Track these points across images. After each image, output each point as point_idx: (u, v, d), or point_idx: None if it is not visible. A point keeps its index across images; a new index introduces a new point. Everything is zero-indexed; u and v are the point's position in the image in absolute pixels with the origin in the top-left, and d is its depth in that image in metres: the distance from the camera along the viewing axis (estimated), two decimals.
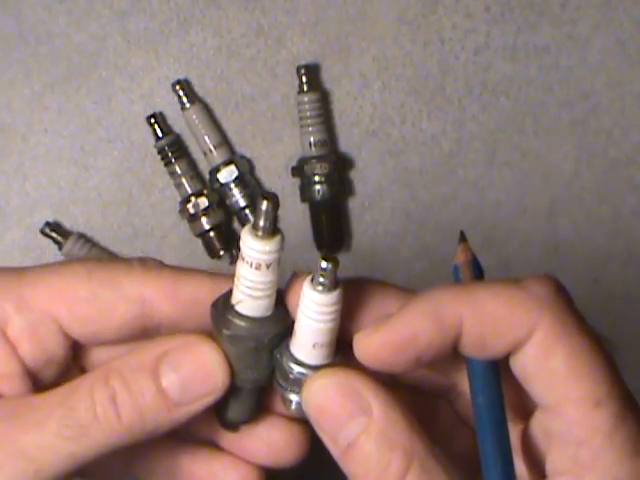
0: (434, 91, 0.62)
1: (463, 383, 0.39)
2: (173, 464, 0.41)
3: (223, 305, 0.36)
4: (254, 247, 0.34)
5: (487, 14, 0.61)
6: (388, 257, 0.62)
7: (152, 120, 0.60)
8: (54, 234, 0.60)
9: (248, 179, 0.61)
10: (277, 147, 0.62)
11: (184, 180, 0.60)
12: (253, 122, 0.61)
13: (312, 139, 0.60)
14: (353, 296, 0.36)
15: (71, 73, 0.61)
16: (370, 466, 0.34)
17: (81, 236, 0.60)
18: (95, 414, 0.35)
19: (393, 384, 0.38)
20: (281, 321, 0.36)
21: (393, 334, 0.34)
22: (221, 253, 0.60)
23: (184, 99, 0.60)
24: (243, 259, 0.35)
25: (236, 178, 0.60)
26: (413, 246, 0.62)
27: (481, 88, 0.62)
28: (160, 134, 0.60)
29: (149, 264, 0.39)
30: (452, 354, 0.35)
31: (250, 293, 0.35)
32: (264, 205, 0.34)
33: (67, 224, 0.61)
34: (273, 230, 0.34)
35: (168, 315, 0.38)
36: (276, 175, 0.62)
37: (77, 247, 0.59)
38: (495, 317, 0.34)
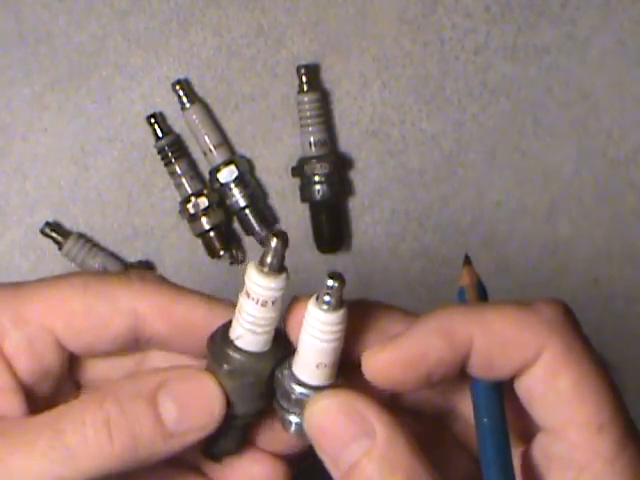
0: (434, 91, 0.62)
1: (462, 406, 0.39)
2: None
3: (222, 339, 0.36)
4: (261, 284, 0.34)
5: (487, 14, 0.61)
6: (388, 257, 0.62)
7: (152, 120, 0.60)
8: (54, 234, 0.60)
9: (248, 179, 0.61)
10: (277, 147, 0.62)
11: (184, 180, 0.60)
12: (253, 122, 0.61)
13: (312, 139, 0.60)
14: (356, 317, 0.36)
15: (71, 73, 0.61)
16: None
17: (81, 236, 0.60)
18: (85, 437, 0.35)
19: (393, 407, 0.38)
20: (280, 353, 0.36)
21: (404, 351, 0.34)
22: (221, 253, 0.60)
23: (184, 99, 0.60)
24: (248, 295, 0.35)
25: (236, 178, 0.60)
26: (413, 246, 0.62)
27: (481, 88, 0.62)
28: (160, 134, 0.60)
29: (148, 279, 0.39)
30: (456, 375, 0.35)
31: (252, 329, 0.35)
32: (274, 242, 0.34)
33: (67, 224, 0.61)
34: (280, 267, 0.35)
35: (160, 332, 0.38)
36: (276, 175, 0.62)
37: (77, 247, 0.59)
38: (504, 337, 0.34)
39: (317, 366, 0.35)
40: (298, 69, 0.60)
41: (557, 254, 0.63)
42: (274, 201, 0.62)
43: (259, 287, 0.34)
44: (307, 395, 0.35)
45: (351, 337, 0.36)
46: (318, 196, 0.60)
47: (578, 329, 0.35)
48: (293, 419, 0.36)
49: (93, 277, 0.38)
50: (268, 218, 0.60)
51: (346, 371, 0.36)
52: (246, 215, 0.60)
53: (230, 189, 0.60)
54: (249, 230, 0.61)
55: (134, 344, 0.39)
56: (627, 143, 0.62)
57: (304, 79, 0.60)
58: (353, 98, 0.62)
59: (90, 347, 0.39)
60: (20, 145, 0.61)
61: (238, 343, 0.36)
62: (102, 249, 0.60)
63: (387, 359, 0.34)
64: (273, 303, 0.35)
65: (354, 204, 0.62)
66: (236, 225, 0.62)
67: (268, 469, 0.40)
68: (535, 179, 0.62)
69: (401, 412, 0.38)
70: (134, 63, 0.61)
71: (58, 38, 0.61)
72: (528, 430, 0.37)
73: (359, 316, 0.36)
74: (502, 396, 0.36)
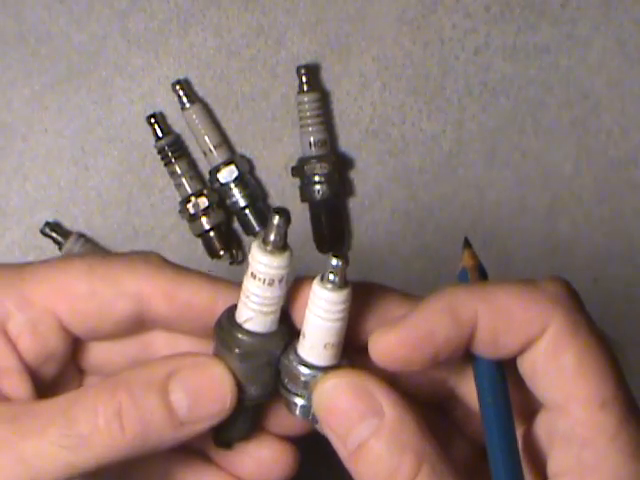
0: (434, 91, 0.62)
1: (461, 390, 0.39)
2: (166, 472, 0.41)
3: (229, 323, 0.36)
4: (266, 262, 0.35)
5: (487, 14, 0.61)
6: (388, 257, 0.62)
7: (152, 120, 0.60)
8: (54, 234, 0.60)
9: (248, 179, 0.61)
10: (277, 147, 0.62)
11: (184, 180, 0.60)
12: (253, 122, 0.61)
13: (312, 139, 0.60)
14: (356, 300, 0.36)
15: (71, 73, 0.61)
16: (380, 468, 0.34)
17: (81, 236, 0.60)
18: (97, 426, 0.35)
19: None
20: (287, 333, 0.37)
21: (411, 331, 0.34)
22: (221, 253, 0.60)
23: (184, 99, 0.60)
24: (254, 276, 0.35)
25: (236, 178, 0.60)
26: (413, 246, 0.62)
27: (481, 88, 0.62)
28: (160, 134, 0.60)
29: (151, 260, 0.39)
30: (461, 354, 0.35)
31: (260, 309, 0.35)
32: (276, 220, 0.34)
33: (67, 224, 0.61)
34: (284, 245, 0.35)
35: (164, 314, 0.38)
36: (276, 175, 0.62)
37: (77, 247, 0.59)
38: (510, 313, 0.34)
39: (325, 346, 0.35)
40: (298, 69, 0.60)
41: (557, 254, 0.63)
42: (274, 201, 0.62)
43: (265, 266, 0.35)
44: (314, 376, 0.36)
45: (352, 319, 0.36)
46: (318, 196, 0.60)
47: (581, 306, 0.35)
48: (299, 402, 0.36)
49: (97, 260, 0.39)
50: (268, 218, 0.60)
51: (348, 354, 0.36)
52: (246, 215, 0.60)
53: (230, 189, 0.60)
54: (249, 230, 0.61)
55: (138, 326, 0.39)
56: (627, 143, 0.62)
57: (304, 79, 0.60)
58: (353, 98, 0.62)
59: (94, 330, 0.39)
60: (20, 145, 0.61)
61: (247, 326, 0.36)
62: (102, 249, 0.60)
63: (395, 340, 0.34)
64: (280, 281, 0.35)
65: (354, 204, 0.62)
66: (236, 225, 0.62)
67: (276, 452, 0.40)
68: (535, 179, 0.62)
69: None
70: (134, 63, 0.61)
71: (58, 38, 0.61)
72: (529, 409, 0.37)
73: (359, 298, 0.36)
74: (505, 375, 0.36)
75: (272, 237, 0.34)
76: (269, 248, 0.35)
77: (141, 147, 0.61)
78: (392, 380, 0.36)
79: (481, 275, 0.38)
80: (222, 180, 0.60)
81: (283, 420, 0.40)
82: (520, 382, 0.36)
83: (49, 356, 0.39)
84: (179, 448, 0.40)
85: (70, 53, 0.61)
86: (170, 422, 0.36)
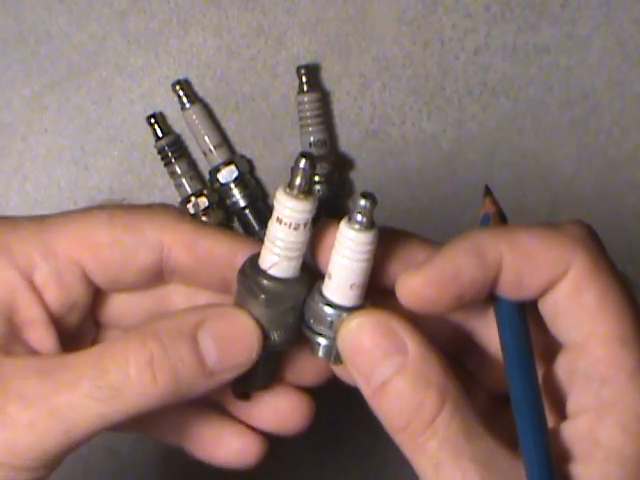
0: (434, 91, 0.62)
1: (480, 334, 0.39)
2: (182, 424, 0.41)
3: (253, 270, 0.37)
4: (292, 207, 0.35)
5: (487, 14, 0.61)
6: None
7: (152, 120, 0.60)
8: None
9: (248, 179, 0.61)
10: (277, 147, 0.62)
11: (184, 180, 0.60)
12: (253, 122, 0.61)
13: (312, 139, 0.60)
14: (381, 243, 0.36)
15: (71, 73, 0.61)
16: (404, 404, 0.34)
17: None
18: (129, 376, 0.35)
19: None
20: (309, 279, 0.37)
21: (438, 272, 0.35)
22: None
23: (184, 99, 0.60)
24: (280, 221, 0.35)
25: (236, 178, 0.60)
26: None
27: (481, 88, 0.62)
28: (160, 134, 0.60)
29: (171, 212, 0.39)
30: (485, 296, 0.36)
31: (285, 254, 0.36)
32: (302, 163, 0.35)
33: None
34: (309, 189, 0.35)
35: (184, 265, 0.39)
36: (276, 175, 0.62)
37: None
38: (533, 254, 0.35)
39: (351, 287, 0.36)
40: (298, 69, 0.60)
41: None
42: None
43: (291, 210, 0.35)
44: (340, 316, 0.36)
45: (376, 262, 0.36)
46: (318, 196, 0.60)
47: (602, 248, 0.36)
48: (322, 341, 0.37)
49: (119, 209, 0.39)
50: (268, 218, 0.60)
51: (371, 296, 0.37)
52: (246, 215, 0.60)
53: (230, 189, 0.60)
54: (249, 230, 0.61)
55: (158, 277, 0.39)
56: (627, 143, 0.62)
57: (304, 79, 0.60)
58: (353, 98, 0.62)
59: (116, 280, 0.39)
60: (20, 145, 0.61)
61: (272, 272, 0.36)
62: None
63: (423, 280, 0.35)
64: (305, 226, 0.35)
65: None
66: (236, 225, 0.62)
67: (293, 402, 0.41)
68: (535, 179, 0.62)
69: None
70: (134, 63, 0.61)
71: (58, 38, 0.61)
72: (549, 351, 0.37)
73: (383, 242, 0.36)
74: (526, 317, 0.36)
75: (298, 181, 0.35)
76: (295, 192, 0.35)
77: (141, 147, 0.61)
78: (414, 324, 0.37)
79: (502, 221, 0.38)
80: (222, 180, 0.60)
81: (301, 370, 0.41)
82: (540, 324, 0.36)
83: (72, 306, 0.39)
84: (195, 400, 0.40)
85: (70, 53, 0.61)
86: (200, 371, 0.36)
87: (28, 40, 0.61)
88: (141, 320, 0.40)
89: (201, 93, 0.61)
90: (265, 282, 0.36)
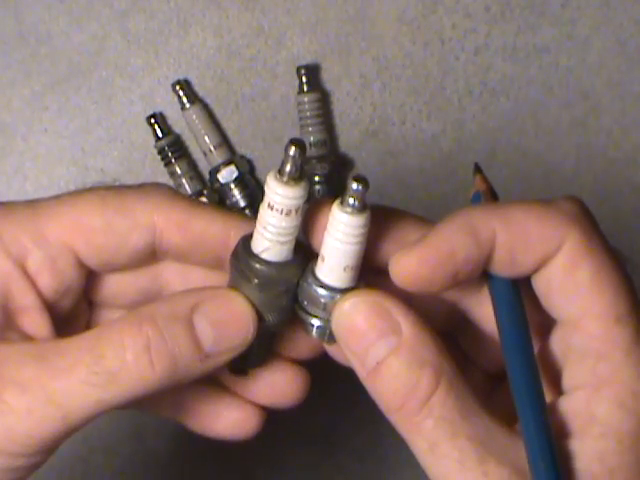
0: (434, 91, 0.62)
1: (474, 313, 0.39)
2: (179, 398, 0.41)
3: (246, 254, 0.37)
4: (283, 193, 0.35)
5: (487, 14, 0.61)
6: None
7: (152, 120, 0.60)
8: None
9: (248, 179, 0.61)
10: (277, 147, 0.62)
11: (184, 180, 0.60)
12: (253, 122, 0.61)
13: (312, 139, 0.60)
14: (375, 222, 0.36)
15: (71, 73, 0.61)
16: (399, 384, 0.34)
17: None
18: (125, 361, 0.35)
19: None
20: (302, 261, 0.37)
21: (431, 250, 0.35)
22: None
23: (184, 99, 0.60)
24: (271, 207, 0.35)
25: (236, 178, 0.60)
26: None
27: (481, 88, 0.62)
28: (160, 134, 0.60)
29: (163, 191, 0.39)
30: (479, 274, 0.36)
31: (277, 239, 0.36)
32: (292, 151, 0.35)
33: None
34: (300, 175, 0.35)
35: (177, 245, 0.38)
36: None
37: None
38: (527, 230, 0.35)
39: (344, 269, 0.36)
40: (298, 69, 0.60)
41: None
42: None
43: (282, 197, 0.35)
44: (333, 298, 0.36)
45: (369, 242, 0.36)
46: (318, 196, 0.60)
47: (595, 224, 0.36)
48: (315, 322, 0.37)
49: (110, 192, 0.39)
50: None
51: (365, 276, 0.37)
52: (246, 215, 0.60)
53: (230, 189, 0.60)
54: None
55: (151, 257, 0.39)
56: (627, 143, 0.62)
57: (304, 79, 0.60)
58: (353, 98, 0.62)
59: (109, 263, 0.39)
60: (20, 145, 0.61)
61: (265, 256, 0.36)
62: None
63: (417, 259, 0.35)
64: (297, 211, 0.35)
65: None
66: None
67: (289, 376, 0.41)
68: (535, 179, 0.62)
69: None
70: (134, 63, 0.61)
71: (58, 38, 0.61)
72: (544, 328, 0.37)
73: (376, 221, 0.36)
74: (520, 294, 0.36)
75: (288, 168, 0.35)
76: (285, 179, 0.35)
77: (141, 147, 0.61)
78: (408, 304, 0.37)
79: (494, 198, 0.38)
80: (222, 180, 0.60)
81: (296, 344, 0.41)
82: (534, 301, 0.36)
83: (66, 291, 0.39)
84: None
85: (70, 53, 0.61)
86: (197, 354, 0.36)
87: (28, 40, 0.61)
88: (135, 298, 0.40)
89: (201, 93, 0.61)
90: (258, 266, 0.36)
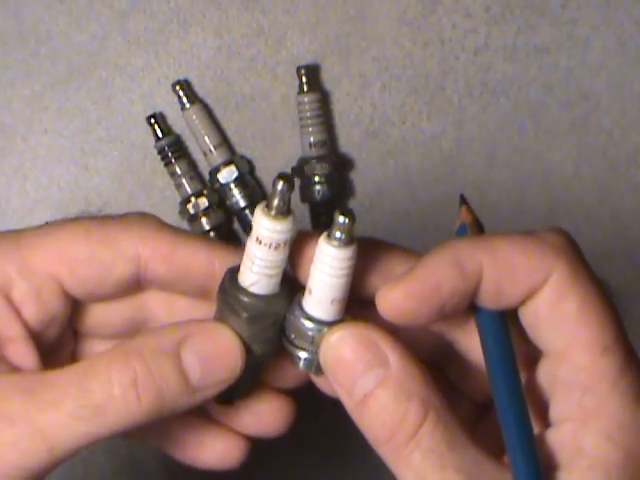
0: (434, 91, 0.62)
1: (461, 344, 0.39)
2: (165, 429, 0.41)
3: (233, 287, 0.37)
4: (271, 227, 0.35)
5: (487, 14, 0.61)
6: None
7: (152, 120, 0.60)
8: None
9: (248, 179, 0.61)
10: (277, 147, 0.62)
11: (184, 180, 0.60)
12: (253, 122, 0.61)
13: (312, 139, 0.60)
14: (362, 255, 0.36)
15: (71, 73, 0.61)
16: (386, 417, 0.34)
17: None
18: (112, 396, 0.35)
19: None
20: (289, 293, 0.37)
21: (418, 284, 0.35)
22: None
23: (184, 99, 0.60)
24: (259, 241, 0.35)
25: (236, 178, 0.60)
26: (413, 246, 0.62)
27: (481, 88, 0.62)
28: (160, 134, 0.60)
29: (148, 221, 0.39)
30: (465, 306, 0.36)
31: (265, 272, 0.36)
32: (280, 185, 0.35)
33: None
34: (287, 210, 0.35)
35: (162, 275, 0.39)
36: (276, 175, 0.62)
37: None
38: (513, 263, 0.35)
39: (331, 302, 0.36)
40: (298, 69, 0.60)
41: None
42: None
43: (269, 231, 0.35)
44: (320, 330, 0.36)
45: (356, 274, 0.36)
46: (318, 196, 0.60)
47: (581, 256, 0.36)
48: (303, 355, 0.37)
49: (94, 223, 0.39)
50: None
51: (352, 308, 0.37)
52: (246, 215, 0.60)
53: (230, 189, 0.60)
54: (249, 230, 0.61)
55: (136, 286, 0.39)
56: (627, 143, 0.62)
57: (304, 79, 0.60)
58: (353, 98, 0.62)
59: (93, 293, 0.39)
60: (20, 145, 0.61)
61: (253, 289, 0.36)
62: None
63: (403, 293, 0.35)
64: (284, 245, 0.35)
65: (354, 204, 0.62)
66: (236, 225, 0.62)
67: (275, 405, 0.41)
68: (535, 179, 0.62)
69: None
70: (134, 63, 0.61)
71: (58, 38, 0.61)
72: (531, 359, 0.37)
73: (363, 253, 0.36)
74: (507, 325, 0.36)
75: (276, 202, 0.35)
76: (273, 213, 0.35)
77: (141, 147, 0.61)
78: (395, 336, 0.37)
79: (479, 230, 0.38)
80: (222, 180, 0.60)
81: (282, 374, 0.41)
82: (520, 333, 0.36)
83: (51, 321, 0.39)
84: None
85: (70, 53, 0.61)
86: (184, 389, 0.36)
87: (28, 40, 0.61)
88: (120, 328, 0.41)
89: (201, 93, 0.61)
90: (246, 299, 0.36)
